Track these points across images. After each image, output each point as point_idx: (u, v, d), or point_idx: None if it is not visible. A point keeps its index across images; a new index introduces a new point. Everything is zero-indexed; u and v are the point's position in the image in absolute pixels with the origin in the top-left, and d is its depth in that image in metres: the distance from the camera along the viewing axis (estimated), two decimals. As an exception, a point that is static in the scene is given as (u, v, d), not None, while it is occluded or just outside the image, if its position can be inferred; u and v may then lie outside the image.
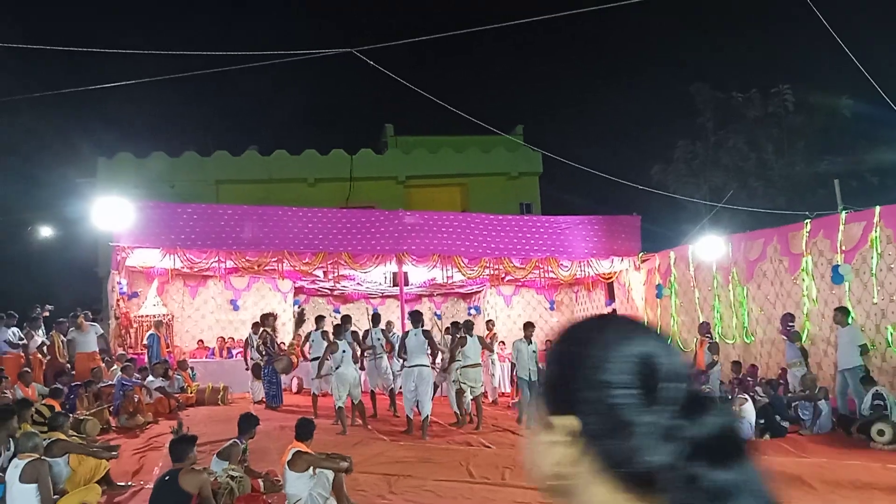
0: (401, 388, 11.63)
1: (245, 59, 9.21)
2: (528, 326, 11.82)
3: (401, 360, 11.02)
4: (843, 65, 10.96)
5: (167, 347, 14.35)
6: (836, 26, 9.52)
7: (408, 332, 10.92)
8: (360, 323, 12.42)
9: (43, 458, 5.51)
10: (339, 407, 10.44)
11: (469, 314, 20.70)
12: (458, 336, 11.10)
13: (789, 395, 10.67)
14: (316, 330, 12.33)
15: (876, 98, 10.04)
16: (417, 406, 10.36)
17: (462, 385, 10.75)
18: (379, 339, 11.84)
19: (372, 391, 12.30)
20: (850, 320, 10.35)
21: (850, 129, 19.10)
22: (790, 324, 11.33)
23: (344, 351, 10.61)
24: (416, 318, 10.87)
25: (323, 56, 9.98)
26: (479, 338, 11.50)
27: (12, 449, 5.87)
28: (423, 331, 10.51)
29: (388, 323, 14.12)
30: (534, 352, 11.47)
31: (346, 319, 11.39)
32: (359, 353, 11.61)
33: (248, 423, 7.04)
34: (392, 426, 11.00)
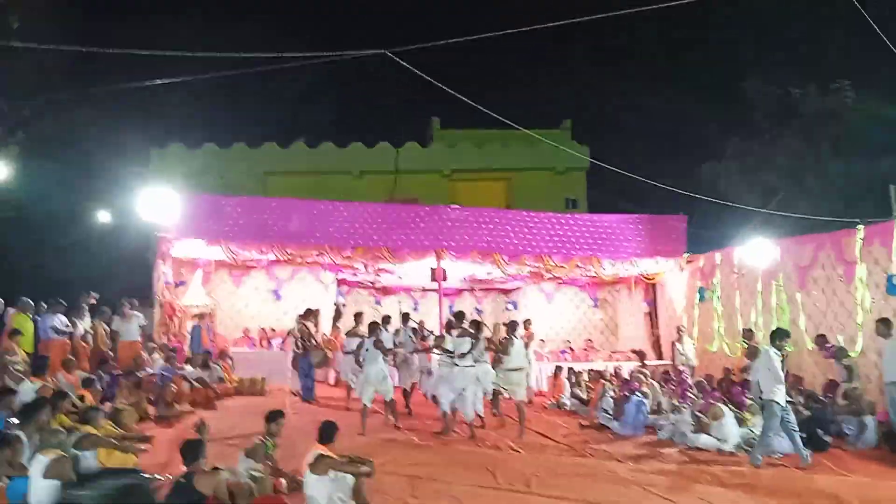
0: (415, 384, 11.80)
1: (283, 59, 9.23)
2: (779, 334, 9.27)
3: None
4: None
5: (210, 338, 14.58)
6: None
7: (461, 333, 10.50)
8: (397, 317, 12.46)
9: (65, 455, 5.65)
10: (364, 405, 10.48)
11: (507, 309, 20.57)
12: (503, 338, 10.83)
13: (834, 407, 10.26)
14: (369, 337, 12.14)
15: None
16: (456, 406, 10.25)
17: (502, 389, 10.54)
18: (410, 337, 11.81)
19: (405, 389, 12.38)
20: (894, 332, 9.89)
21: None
22: (827, 344, 10.92)
23: (367, 349, 10.60)
24: (460, 317, 10.75)
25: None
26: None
27: (37, 442, 6.02)
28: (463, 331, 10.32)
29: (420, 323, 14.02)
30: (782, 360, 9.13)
31: (378, 322, 11.30)
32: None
33: (271, 419, 7.08)
34: (423, 424, 10.96)
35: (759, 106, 22.24)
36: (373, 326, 11.02)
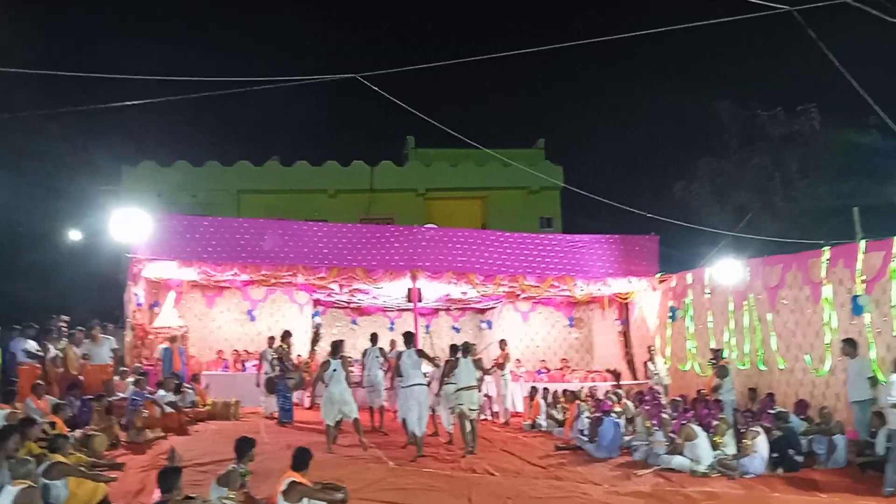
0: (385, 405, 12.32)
1: (252, 83, 9.24)
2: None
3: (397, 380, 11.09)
4: (868, 89, 10.64)
5: (183, 361, 14.34)
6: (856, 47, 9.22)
7: (401, 352, 11.02)
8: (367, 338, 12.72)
9: (33, 485, 5.54)
10: (328, 425, 10.52)
11: (480, 328, 20.64)
12: (448, 359, 11.19)
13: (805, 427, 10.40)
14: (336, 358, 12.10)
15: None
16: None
17: (460, 409, 10.68)
18: (377, 358, 11.94)
19: (379, 409, 12.66)
20: (859, 351, 10.08)
21: (877, 153, 18.65)
22: None
23: (335, 370, 10.62)
24: (409, 338, 11.04)
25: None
26: (475, 361, 11.31)
27: (6, 472, 5.88)
28: (416, 350, 10.76)
29: (392, 342, 14.26)
30: None
31: (339, 343, 11.36)
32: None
33: (244, 447, 6.96)
34: (396, 446, 10.93)
35: (729, 127, 22.69)
36: (337, 346, 11.09)
